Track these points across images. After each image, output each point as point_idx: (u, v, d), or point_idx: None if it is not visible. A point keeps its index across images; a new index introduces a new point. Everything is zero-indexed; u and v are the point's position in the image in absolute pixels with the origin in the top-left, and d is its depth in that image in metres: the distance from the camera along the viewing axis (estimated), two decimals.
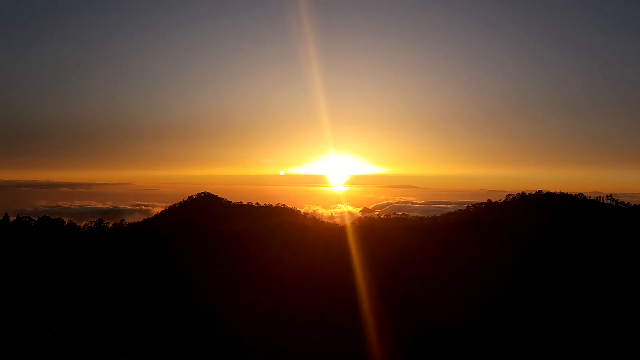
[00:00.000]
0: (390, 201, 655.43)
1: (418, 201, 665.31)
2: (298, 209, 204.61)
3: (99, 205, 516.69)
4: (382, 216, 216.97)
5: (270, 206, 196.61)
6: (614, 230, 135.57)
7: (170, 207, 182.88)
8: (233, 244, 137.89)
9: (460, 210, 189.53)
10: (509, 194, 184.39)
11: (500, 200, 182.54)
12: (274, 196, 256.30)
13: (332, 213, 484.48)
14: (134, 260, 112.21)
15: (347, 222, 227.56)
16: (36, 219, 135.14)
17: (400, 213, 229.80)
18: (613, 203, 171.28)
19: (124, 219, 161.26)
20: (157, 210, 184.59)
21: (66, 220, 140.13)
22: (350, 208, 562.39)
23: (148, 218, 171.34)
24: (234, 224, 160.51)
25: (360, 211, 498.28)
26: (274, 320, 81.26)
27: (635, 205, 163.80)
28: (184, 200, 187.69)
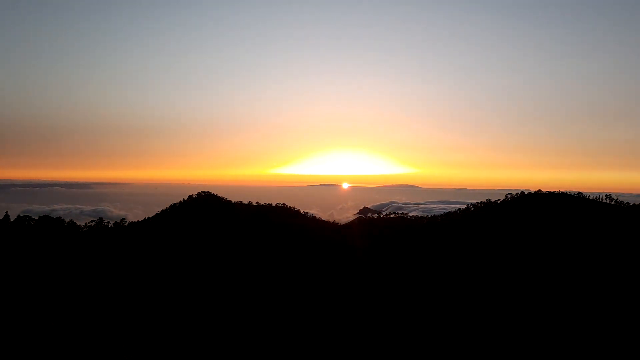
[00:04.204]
0: (390, 201, 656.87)
1: (418, 201, 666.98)
2: (298, 208, 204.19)
3: (98, 205, 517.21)
4: (382, 216, 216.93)
5: (270, 205, 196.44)
6: (614, 230, 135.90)
7: (171, 206, 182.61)
8: (233, 244, 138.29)
9: (460, 210, 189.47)
10: (509, 194, 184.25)
11: (499, 200, 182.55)
12: (274, 195, 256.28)
13: (332, 212, 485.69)
14: (134, 259, 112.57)
15: (347, 221, 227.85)
16: (37, 218, 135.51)
17: (400, 213, 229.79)
18: (612, 203, 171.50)
19: (124, 219, 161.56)
20: (157, 209, 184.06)
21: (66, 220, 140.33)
22: (350, 207, 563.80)
23: (148, 217, 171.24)
24: (233, 224, 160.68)
25: (360, 211, 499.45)
26: (275, 319, 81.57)
27: (634, 204, 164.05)
28: (184, 200, 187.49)
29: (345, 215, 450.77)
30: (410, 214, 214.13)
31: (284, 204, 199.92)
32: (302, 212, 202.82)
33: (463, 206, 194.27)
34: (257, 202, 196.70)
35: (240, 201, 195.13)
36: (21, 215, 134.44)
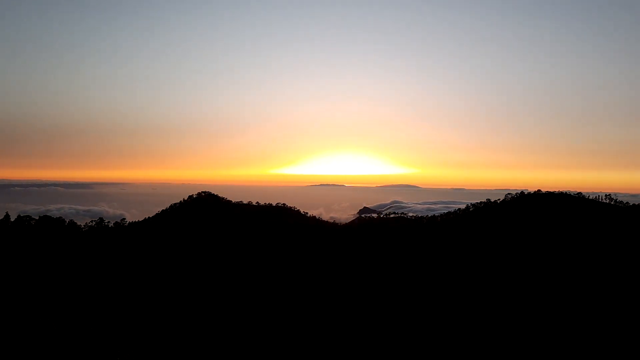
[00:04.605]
0: (390, 201, 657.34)
1: (418, 201, 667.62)
2: (298, 208, 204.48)
3: (94, 205, 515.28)
4: (382, 216, 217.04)
5: (270, 205, 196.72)
6: (613, 230, 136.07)
7: (171, 206, 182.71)
8: (233, 243, 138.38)
9: (459, 210, 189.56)
10: (508, 194, 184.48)
11: (499, 199, 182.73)
12: (275, 195, 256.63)
13: (332, 212, 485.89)
14: (135, 259, 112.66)
15: (347, 221, 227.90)
16: (37, 218, 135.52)
17: (400, 213, 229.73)
18: (612, 202, 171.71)
19: (124, 218, 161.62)
20: (155, 209, 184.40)
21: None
22: (350, 207, 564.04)
23: (148, 217, 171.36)
24: (233, 223, 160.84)
25: (360, 210, 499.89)
26: (275, 319, 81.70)
27: (634, 204, 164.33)
28: (184, 200, 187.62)
29: (345, 215, 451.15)
30: (410, 214, 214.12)
31: (284, 204, 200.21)
32: (302, 212, 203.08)
33: (463, 206, 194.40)
34: (257, 202, 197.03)
35: (240, 201, 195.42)
36: (21, 215, 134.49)
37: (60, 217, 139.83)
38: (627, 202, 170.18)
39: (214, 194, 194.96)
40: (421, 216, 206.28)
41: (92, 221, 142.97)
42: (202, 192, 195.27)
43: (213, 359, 65.34)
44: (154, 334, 68.88)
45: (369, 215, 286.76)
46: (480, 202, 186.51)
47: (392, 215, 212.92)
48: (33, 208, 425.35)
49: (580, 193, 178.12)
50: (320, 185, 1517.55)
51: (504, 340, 74.83)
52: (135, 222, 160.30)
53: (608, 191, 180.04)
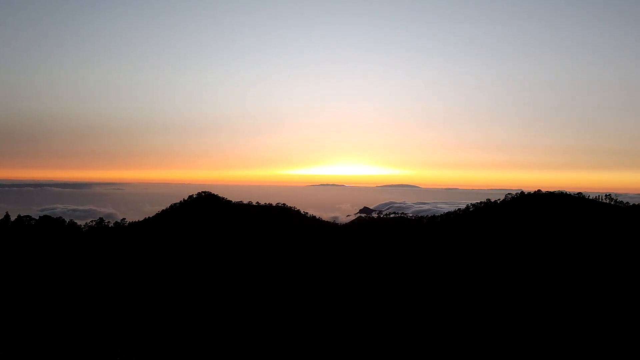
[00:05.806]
0: (390, 201, 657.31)
1: (418, 201, 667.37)
2: (298, 208, 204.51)
3: (86, 205, 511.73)
4: (382, 216, 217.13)
5: (270, 205, 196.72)
6: (613, 230, 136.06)
7: (171, 206, 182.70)
8: (232, 243, 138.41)
9: (459, 210, 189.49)
10: (508, 194, 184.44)
11: (499, 199, 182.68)
12: (274, 195, 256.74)
13: (332, 212, 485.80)
14: (135, 259, 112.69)
15: (347, 221, 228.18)
16: (37, 218, 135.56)
17: (400, 213, 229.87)
18: (612, 202, 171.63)
19: (124, 218, 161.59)
20: (151, 209, 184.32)
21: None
22: (350, 207, 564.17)
23: (149, 217, 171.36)
24: (234, 223, 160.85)
25: (360, 210, 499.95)
26: (274, 319, 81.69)
27: (634, 204, 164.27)
28: (184, 200, 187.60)
29: (346, 215, 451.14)
30: (410, 214, 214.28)
31: (284, 204, 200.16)
32: (302, 212, 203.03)
33: (463, 206, 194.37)
34: (257, 202, 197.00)
35: (241, 201, 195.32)
36: (21, 215, 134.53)
37: (60, 217, 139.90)
38: (627, 202, 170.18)
39: (213, 193, 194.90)
40: (421, 216, 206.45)
41: (92, 221, 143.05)
42: (202, 192, 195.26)
43: (213, 359, 65.34)
44: (155, 334, 68.90)
45: (369, 215, 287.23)
46: (480, 202, 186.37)
47: (392, 215, 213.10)
48: (28, 209, 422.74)
49: (580, 193, 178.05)
50: (321, 185, 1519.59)
51: (506, 340, 74.79)
52: (135, 222, 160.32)
53: (608, 191, 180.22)
